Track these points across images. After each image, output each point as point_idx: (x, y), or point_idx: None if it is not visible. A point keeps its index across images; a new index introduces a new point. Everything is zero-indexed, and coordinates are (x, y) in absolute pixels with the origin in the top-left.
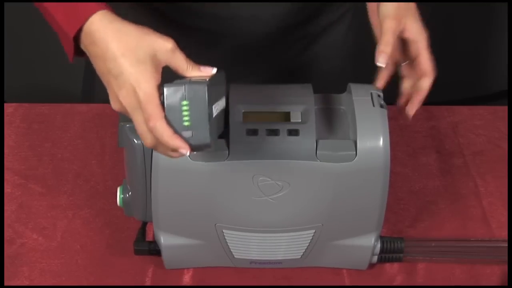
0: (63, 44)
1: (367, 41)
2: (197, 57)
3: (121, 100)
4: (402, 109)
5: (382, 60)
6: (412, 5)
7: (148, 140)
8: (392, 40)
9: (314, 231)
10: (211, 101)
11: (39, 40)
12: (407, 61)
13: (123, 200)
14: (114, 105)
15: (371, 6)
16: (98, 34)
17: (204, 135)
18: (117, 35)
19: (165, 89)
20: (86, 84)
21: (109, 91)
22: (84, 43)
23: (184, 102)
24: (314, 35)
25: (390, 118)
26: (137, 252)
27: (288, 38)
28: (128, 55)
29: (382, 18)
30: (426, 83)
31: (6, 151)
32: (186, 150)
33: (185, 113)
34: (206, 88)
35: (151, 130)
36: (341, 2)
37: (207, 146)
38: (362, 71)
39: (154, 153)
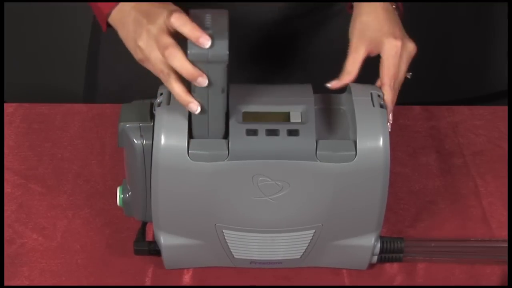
0: (98, 18)
1: None
2: None
3: (141, 46)
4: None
5: (333, 84)
6: (383, 22)
7: (165, 76)
8: (356, 69)
9: (314, 231)
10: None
11: (39, 40)
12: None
13: (123, 200)
14: (137, 56)
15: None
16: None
17: (224, 47)
18: (137, 6)
19: (190, 10)
20: (88, 83)
21: (132, 48)
22: (114, 18)
23: (208, 16)
24: (312, 29)
25: None
26: (137, 252)
27: (287, 31)
28: (143, 11)
29: (351, 34)
30: (386, 97)
31: (6, 151)
32: (207, 40)
33: (208, 23)
34: (227, 12)
35: (167, 59)
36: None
37: (224, 61)
38: (362, 71)
39: (154, 153)
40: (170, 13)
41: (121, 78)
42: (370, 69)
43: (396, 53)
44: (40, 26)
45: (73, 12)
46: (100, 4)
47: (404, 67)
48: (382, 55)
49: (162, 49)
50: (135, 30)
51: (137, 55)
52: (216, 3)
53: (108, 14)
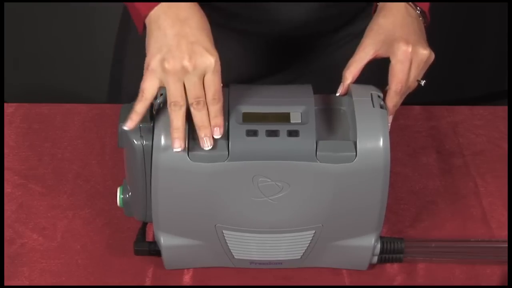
0: (134, 17)
1: None
2: (228, 50)
3: (167, 69)
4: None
5: (340, 92)
6: (398, 27)
7: (176, 106)
8: (358, 68)
9: (314, 231)
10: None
11: (39, 40)
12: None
13: (123, 200)
14: (153, 64)
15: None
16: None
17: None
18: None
19: None
20: (112, 85)
21: (153, 56)
22: (151, 18)
23: None
24: (345, 41)
25: None
26: (137, 252)
27: (318, 43)
28: (190, 39)
29: (365, 33)
30: (389, 102)
31: (6, 151)
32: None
33: None
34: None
35: (194, 109)
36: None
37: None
38: (371, 74)
39: (154, 153)
40: (214, 72)
41: None
42: (379, 73)
43: (406, 59)
44: (40, 26)
45: (74, 12)
46: (137, 5)
47: (414, 73)
48: (391, 59)
49: (195, 97)
50: (170, 50)
51: (155, 65)
52: (249, 3)
53: (146, 15)
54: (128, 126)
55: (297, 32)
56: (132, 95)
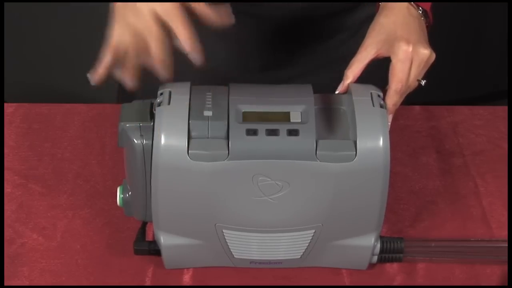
0: None
1: None
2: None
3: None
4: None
5: (340, 90)
6: (399, 26)
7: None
8: (360, 68)
9: (314, 231)
10: None
11: (39, 40)
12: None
13: (123, 200)
14: (123, 32)
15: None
16: None
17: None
18: None
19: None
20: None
21: (120, 20)
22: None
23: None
24: (349, 31)
25: None
26: (137, 252)
27: (319, 30)
28: None
29: (367, 33)
30: (389, 101)
31: (6, 151)
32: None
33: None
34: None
35: (187, 33)
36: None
37: None
38: (371, 74)
39: (154, 152)
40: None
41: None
42: (380, 72)
43: (406, 58)
44: (40, 26)
45: (74, 12)
46: None
47: (415, 73)
48: (392, 58)
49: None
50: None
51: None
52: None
53: None
54: (92, 79)
55: (298, 15)
56: (142, 96)
